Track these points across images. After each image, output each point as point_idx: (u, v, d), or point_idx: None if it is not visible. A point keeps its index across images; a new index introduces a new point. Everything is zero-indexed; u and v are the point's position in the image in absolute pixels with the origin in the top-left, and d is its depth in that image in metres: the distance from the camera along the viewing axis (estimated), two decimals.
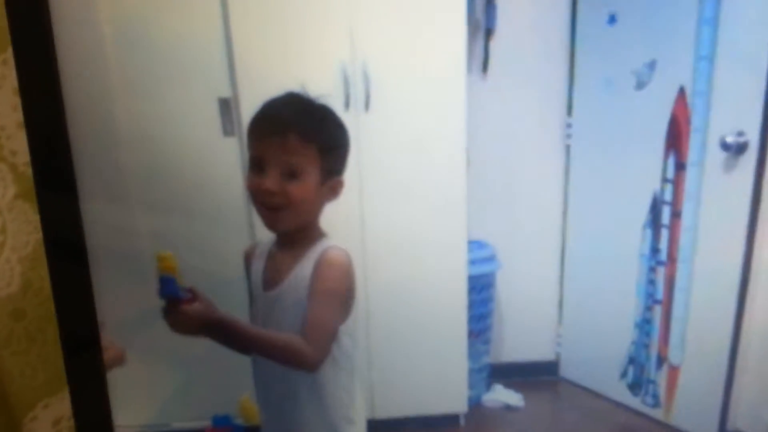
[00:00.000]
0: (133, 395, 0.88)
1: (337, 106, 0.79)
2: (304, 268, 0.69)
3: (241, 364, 0.86)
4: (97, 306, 0.83)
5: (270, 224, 0.69)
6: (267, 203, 0.67)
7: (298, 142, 0.66)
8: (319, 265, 0.68)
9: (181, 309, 0.69)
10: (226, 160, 0.84)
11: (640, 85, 0.81)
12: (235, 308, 0.83)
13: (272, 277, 0.71)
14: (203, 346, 0.86)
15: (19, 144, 0.77)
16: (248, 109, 0.81)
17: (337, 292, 0.68)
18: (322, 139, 0.67)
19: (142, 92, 0.83)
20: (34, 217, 0.81)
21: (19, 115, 0.73)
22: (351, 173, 0.79)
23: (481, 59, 0.83)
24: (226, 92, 0.84)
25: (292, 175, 0.66)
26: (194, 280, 0.83)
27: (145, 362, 0.88)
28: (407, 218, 0.87)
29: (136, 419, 0.92)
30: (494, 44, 0.85)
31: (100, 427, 0.86)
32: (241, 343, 0.73)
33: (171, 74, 0.82)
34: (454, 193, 0.87)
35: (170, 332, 0.83)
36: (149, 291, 0.83)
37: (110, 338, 0.79)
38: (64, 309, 0.81)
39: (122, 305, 0.85)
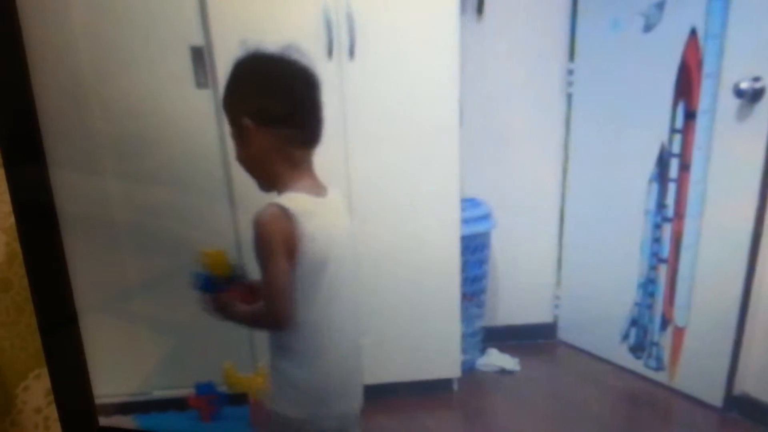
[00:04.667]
0: (113, 365, 0.87)
1: (319, 53, 0.74)
2: None
3: (224, 330, 0.85)
4: (77, 275, 0.81)
5: None
6: None
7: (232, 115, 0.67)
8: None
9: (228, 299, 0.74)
10: (200, 114, 0.80)
11: (649, 27, 0.76)
12: None
13: None
14: (185, 313, 0.84)
15: None
16: (223, 58, 0.77)
17: (263, 253, 0.67)
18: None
19: (105, 41, 0.78)
20: None
21: None
22: (335, 127, 0.76)
23: (475, 1, 0.77)
24: (198, 40, 0.79)
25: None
26: (173, 246, 0.80)
27: (126, 331, 0.87)
28: (396, 175, 0.83)
29: (117, 389, 0.90)
30: None
31: (79, 399, 0.85)
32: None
33: (137, 20, 0.77)
34: (446, 146, 0.82)
35: (149, 301, 0.82)
36: (127, 258, 0.81)
37: None
38: (37, 279, 0.80)
39: (102, 273, 0.84)
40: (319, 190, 0.69)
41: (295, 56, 0.68)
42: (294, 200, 0.67)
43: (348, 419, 0.75)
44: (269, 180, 0.69)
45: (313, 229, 0.67)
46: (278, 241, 0.66)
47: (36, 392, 0.93)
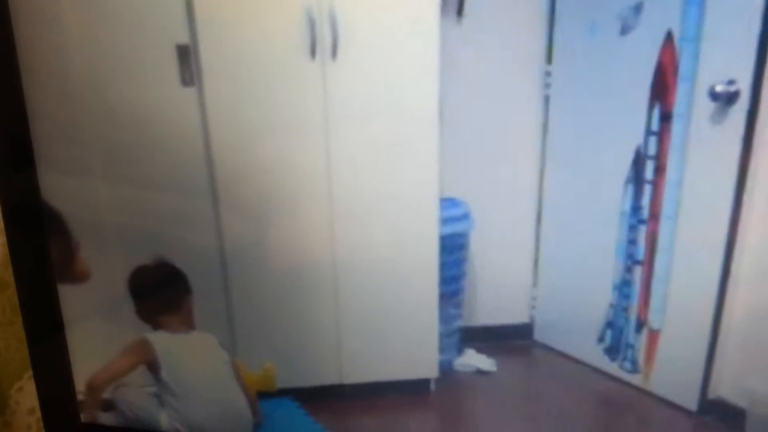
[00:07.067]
0: (93, 362, 0.87)
1: (302, 53, 0.76)
2: None
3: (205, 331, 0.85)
4: None
5: None
6: None
7: None
8: None
9: None
10: (186, 112, 0.81)
11: (625, 29, 0.76)
12: (205, 274, 0.81)
13: None
14: None
15: None
16: (208, 56, 0.78)
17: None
18: None
19: (95, 41, 0.80)
20: None
21: None
22: (317, 128, 0.77)
23: (455, 2, 0.78)
24: (184, 38, 0.79)
25: None
26: (161, 245, 0.81)
27: (107, 328, 0.86)
28: (376, 174, 0.84)
29: None
30: None
31: (62, 396, 0.86)
32: None
33: (125, 19, 0.78)
34: (425, 146, 0.83)
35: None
36: (113, 261, 0.81)
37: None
38: (25, 283, 0.80)
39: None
40: (181, 329, 0.90)
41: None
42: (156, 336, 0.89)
43: None
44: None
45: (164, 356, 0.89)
46: (133, 354, 0.90)
47: (30, 393, 0.92)
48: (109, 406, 0.92)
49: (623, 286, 0.83)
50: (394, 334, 0.89)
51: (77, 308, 0.88)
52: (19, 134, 0.81)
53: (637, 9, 0.76)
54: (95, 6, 0.79)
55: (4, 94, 0.80)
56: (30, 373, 0.92)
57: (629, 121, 0.78)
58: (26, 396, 0.92)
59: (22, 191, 0.83)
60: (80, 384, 0.91)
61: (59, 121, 0.83)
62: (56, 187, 0.83)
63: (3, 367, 0.89)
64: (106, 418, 0.92)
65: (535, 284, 0.88)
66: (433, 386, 0.91)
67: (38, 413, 0.94)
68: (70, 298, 0.87)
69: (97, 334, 0.90)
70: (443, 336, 0.89)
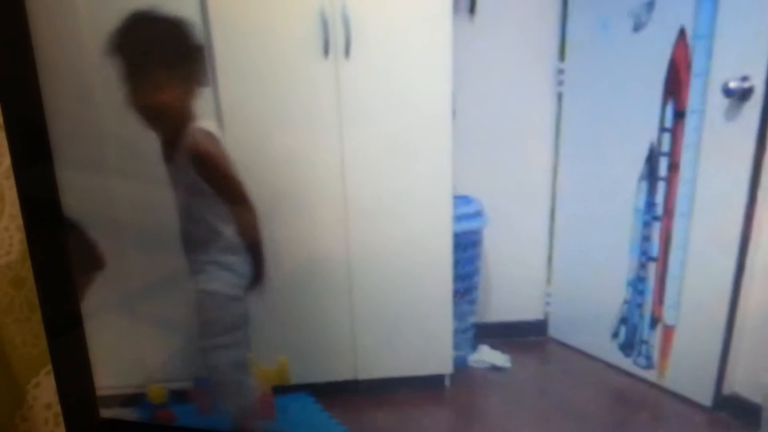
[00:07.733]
0: (112, 357, 0.88)
1: (316, 52, 0.76)
2: None
3: None
4: None
5: None
6: None
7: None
8: None
9: None
10: (200, 112, 0.81)
11: (638, 26, 0.76)
12: None
13: None
14: (184, 306, 0.85)
15: None
16: (223, 56, 0.78)
17: (220, 167, 0.82)
18: None
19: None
20: None
21: None
22: (330, 126, 0.77)
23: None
24: (198, 39, 0.80)
25: None
26: (173, 242, 0.82)
27: (128, 326, 0.87)
28: (390, 171, 0.84)
29: (115, 381, 0.91)
30: None
31: (82, 392, 0.87)
32: None
33: None
34: (439, 144, 0.83)
35: (152, 297, 0.84)
36: (130, 256, 0.82)
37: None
38: (44, 279, 0.81)
39: (106, 270, 0.87)
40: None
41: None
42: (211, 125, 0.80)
43: None
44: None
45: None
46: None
47: (47, 388, 0.94)
48: (129, 401, 0.93)
49: (637, 283, 0.82)
50: (409, 331, 0.89)
51: (96, 303, 0.89)
52: (36, 131, 0.82)
53: (650, 5, 0.76)
54: (112, 6, 0.80)
55: (21, 91, 0.81)
56: (47, 368, 0.93)
57: (642, 117, 0.78)
58: (43, 391, 0.93)
59: (39, 188, 0.84)
60: (98, 379, 0.92)
61: (76, 119, 0.84)
62: (73, 183, 0.84)
63: (20, 362, 0.90)
64: (126, 414, 0.94)
65: (549, 281, 0.88)
66: (447, 382, 0.92)
67: (56, 408, 0.95)
68: (89, 293, 0.88)
69: (116, 329, 0.91)
70: (457, 332, 0.89)
